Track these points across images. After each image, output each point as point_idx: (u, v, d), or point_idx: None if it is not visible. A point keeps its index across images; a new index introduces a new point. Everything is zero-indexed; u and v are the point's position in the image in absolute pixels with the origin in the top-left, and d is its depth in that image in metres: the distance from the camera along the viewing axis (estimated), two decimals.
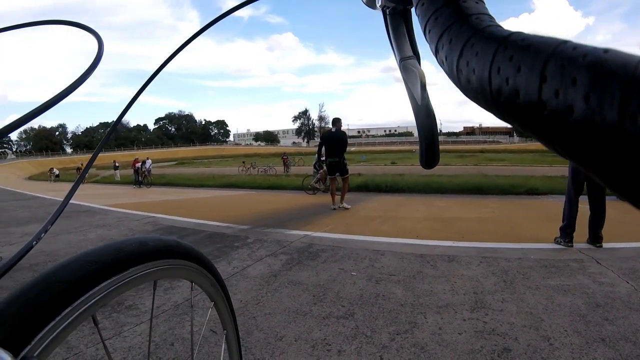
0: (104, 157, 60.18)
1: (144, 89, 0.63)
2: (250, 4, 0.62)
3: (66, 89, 0.45)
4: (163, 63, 0.65)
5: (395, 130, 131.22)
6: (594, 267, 3.18)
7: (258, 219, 6.00)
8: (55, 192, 15.57)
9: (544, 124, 0.20)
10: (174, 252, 0.60)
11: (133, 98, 0.62)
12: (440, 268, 3.21)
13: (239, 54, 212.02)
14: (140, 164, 20.53)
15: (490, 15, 0.28)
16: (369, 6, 0.48)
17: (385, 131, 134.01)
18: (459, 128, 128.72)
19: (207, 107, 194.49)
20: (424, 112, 0.41)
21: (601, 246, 3.84)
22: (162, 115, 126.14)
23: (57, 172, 35.43)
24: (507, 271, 3.10)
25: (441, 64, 0.30)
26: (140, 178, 20.00)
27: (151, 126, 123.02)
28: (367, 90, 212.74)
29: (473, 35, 0.26)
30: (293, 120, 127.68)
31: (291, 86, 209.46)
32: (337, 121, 7.47)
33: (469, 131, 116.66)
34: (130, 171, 26.76)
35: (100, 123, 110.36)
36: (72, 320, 0.42)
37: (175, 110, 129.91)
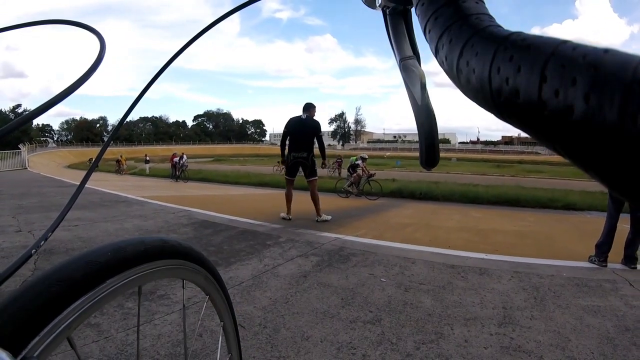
0: (144, 150, 61.73)
1: (151, 84, 0.64)
2: (256, 3, 0.62)
3: (68, 88, 0.45)
4: (172, 57, 0.66)
5: None
6: (627, 289, 3.09)
7: (290, 219, 6.09)
8: (93, 181, 16.05)
9: (544, 124, 0.20)
10: (161, 253, 0.58)
11: (141, 93, 0.64)
12: (471, 280, 3.18)
13: (279, 54, 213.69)
14: (177, 158, 20.99)
15: (490, 15, 0.29)
16: (368, 6, 0.48)
17: None
18: (497, 137, 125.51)
19: (246, 105, 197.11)
20: (424, 112, 0.41)
21: (636, 268, 3.72)
22: (201, 112, 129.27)
23: None
24: (539, 288, 3.04)
25: (441, 64, 0.30)
26: (178, 172, 20.47)
27: (190, 122, 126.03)
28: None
29: (473, 35, 0.27)
30: (329, 123, 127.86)
31: (330, 87, 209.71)
32: (309, 107, 6.18)
33: (507, 140, 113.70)
34: (162, 165, 27.31)
35: (140, 117, 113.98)
36: (72, 321, 0.42)
37: (214, 108, 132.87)
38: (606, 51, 0.18)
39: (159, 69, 0.65)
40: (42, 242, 0.51)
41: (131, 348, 2.00)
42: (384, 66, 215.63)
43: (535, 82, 0.20)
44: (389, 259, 3.74)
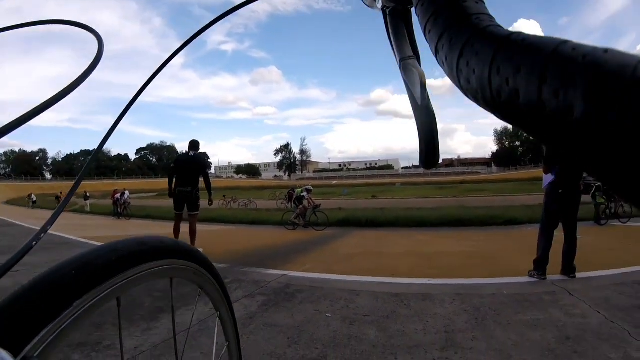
0: (84, 185, 59.18)
1: (125, 112, 0.64)
2: (243, 8, 0.63)
3: (67, 87, 0.45)
4: (150, 78, 0.68)
5: (376, 164, 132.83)
6: (567, 299, 3.28)
7: (237, 257, 6.01)
8: (35, 220, 15.10)
9: (544, 124, 0.20)
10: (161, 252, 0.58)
11: (114, 124, 0.63)
12: (414, 307, 3.27)
13: (223, 87, 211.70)
14: (119, 195, 20.29)
15: (490, 15, 0.29)
16: (369, 6, 0.49)
17: (366, 164, 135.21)
18: None
19: (190, 138, 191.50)
20: (424, 112, 0.41)
21: (574, 276, 3.94)
22: (144, 145, 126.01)
23: (34, 198, 34.81)
24: (479, 308, 3.17)
25: (441, 64, 0.30)
26: (120, 209, 19.76)
27: (132, 156, 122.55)
28: (349, 124, 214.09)
29: (473, 35, 0.26)
30: (275, 154, 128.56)
31: (274, 119, 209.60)
32: (197, 144, 6.48)
33: (448, 163, 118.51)
34: (103, 201, 26.18)
35: (82, 150, 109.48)
36: (73, 321, 0.42)
37: (157, 141, 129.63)
38: (606, 51, 0.18)
39: (129, 100, 0.65)
40: (42, 234, 0.51)
41: None
42: (327, 97, 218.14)
43: (535, 82, 0.20)
44: (335, 292, 3.77)
